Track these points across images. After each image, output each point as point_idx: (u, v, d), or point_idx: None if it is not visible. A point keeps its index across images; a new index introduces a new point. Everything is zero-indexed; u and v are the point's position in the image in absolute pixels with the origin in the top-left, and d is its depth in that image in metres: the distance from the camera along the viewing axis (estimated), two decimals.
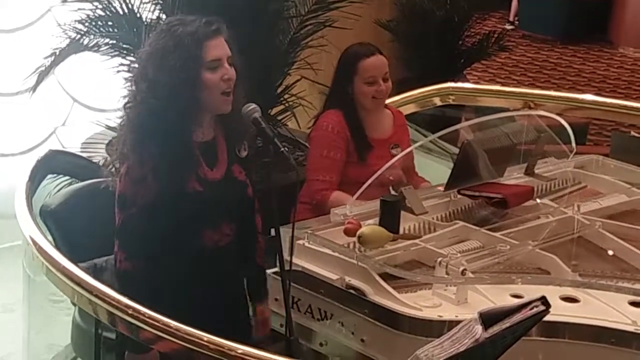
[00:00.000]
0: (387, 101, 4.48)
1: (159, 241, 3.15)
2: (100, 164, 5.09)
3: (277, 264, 3.17)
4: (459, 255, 3.44)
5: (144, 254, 3.16)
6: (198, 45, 3.12)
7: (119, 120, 3.37)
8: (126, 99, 3.24)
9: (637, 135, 6.97)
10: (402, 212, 3.71)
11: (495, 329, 2.38)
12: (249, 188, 3.32)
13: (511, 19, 13.64)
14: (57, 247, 3.45)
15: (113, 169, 3.27)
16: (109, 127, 5.71)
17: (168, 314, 2.95)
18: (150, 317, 2.94)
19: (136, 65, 3.26)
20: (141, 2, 5.49)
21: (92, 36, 5.46)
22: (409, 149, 4.23)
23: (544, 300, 2.46)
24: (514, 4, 13.61)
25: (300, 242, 3.54)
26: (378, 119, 4.34)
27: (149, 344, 3.05)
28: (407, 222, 3.76)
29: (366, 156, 4.22)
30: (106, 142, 5.65)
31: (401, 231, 3.67)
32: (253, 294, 3.45)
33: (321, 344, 3.50)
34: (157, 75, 3.13)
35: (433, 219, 3.86)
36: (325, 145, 4.21)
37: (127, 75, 3.43)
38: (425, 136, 5.47)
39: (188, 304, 3.16)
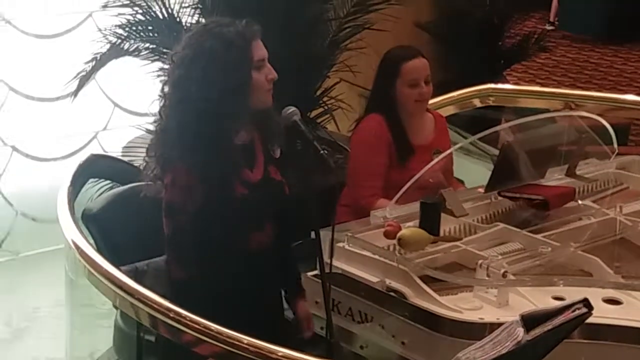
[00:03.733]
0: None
1: (210, 247, 3.16)
2: (141, 167, 5.12)
3: (317, 267, 3.17)
4: (500, 257, 3.42)
5: (197, 262, 3.17)
6: (245, 45, 3.16)
7: (155, 125, 3.38)
8: (163, 103, 3.25)
9: None
10: (443, 215, 3.70)
11: (537, 331, 2.37)
12: (285, 187, 3.35)
13: (551, 19, 13.56)
14: (98, 250, 3.47)
15: (152, 174, 3.26)
16: (149, 131, 5.75)
17: (224, 321, 2.92)
18: (191, 320, 2.95)
19: (174, 70, 3.25)
20: (181, 6, 5.53)
21: (132, 41, 5.51)
22: (447, 152, 4.19)
23: (586, 302, 2.44)
24: (554, 3, 13.52)
25: (340, 244, 3.54)
26: (420, 123, 4.32)
27: (190, 347, 3.06)
28: (447, 225, 3.75)
29: (408, 161, 4.19)
30: (146, 146, 5.69)
31: (441, 233, 3.65)
32: (290, 292, 3.47)
33: (361, 347, 3.49)
34: (207, 78, 3.13)
35: (473, 221, 3.84)
36: (369, 149, 4.19)
37: (164, 79, 3.41)
38: (465, 138, 5.44)
39: (238, 307, 3.16)
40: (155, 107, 3.30)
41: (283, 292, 3.49)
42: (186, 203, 3.14)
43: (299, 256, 3.47)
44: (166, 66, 5.43)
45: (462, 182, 4.53)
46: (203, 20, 5.41)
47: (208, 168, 3.12)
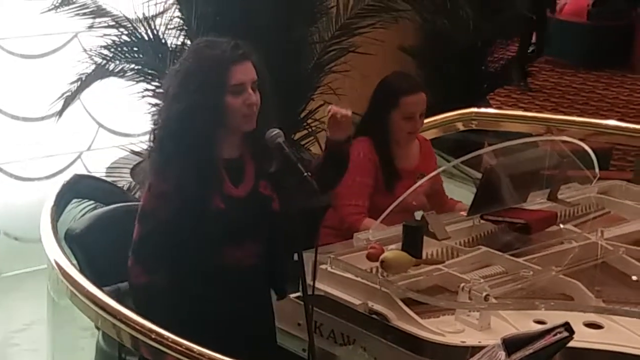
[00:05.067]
0: None
1: (178, 256, 3.16)
2: (125, 188, 5.13)
3: (300, 289, 3.18)
4: (482, 280, 3.43)
5: (162, 269, 3.17)
6: (222, 69, 3.14)
7: (145, 145, 3.41)
8: (154, 118, 3.28)
9: None
10: (425, 237, 3.71)
11: (519, 355, 2.38)
12: (274, 202, 3.31)
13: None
14: (81, 271, 3.46)
15: (137, 194, 3.29)
16: (133, 152, 5.76)
17: (184, 333, 2.95)
18: (173, 342, 2.95)
19: (164, 82, 3.29)
20: (166, 28, 5.55)
21: (117, 62, 5.52)
22: (431, 175, 4.20)
23: (567, 326, 2.46)
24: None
25: (323, 266, 3.54)
26: (407, 150, 4.34)
27: None
28: (430, 247, 3.76)
29: (394, 186, 4.20)
30: (130, 166, 5.69)
31: (424, 256, 3.66)
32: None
33: None
34: (178, 96, 3.16)
35: (456, 244, 3.85)
36: (357, 170, 4.18)
37: (154, 100, 3.44)
38: (448, 161, 5.47)
39: (209, 323, 3.16)
40: (145, 127, 3.33)
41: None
42: (159, 210, 3.16)
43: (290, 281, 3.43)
44: (151, 87, 5.50)
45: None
46: (188, 42, 5.44)
47: (182, 178, 3.13)
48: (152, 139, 3.29)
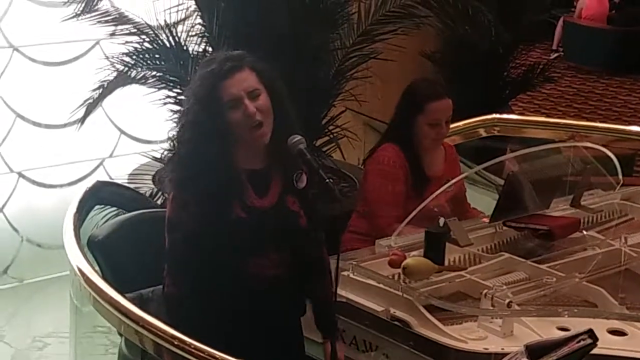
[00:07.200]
0: None
1: (203, 266, 3.16)
2: (147, 195, 5.14)
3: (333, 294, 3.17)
4: (504, 287, 3.42)
5: (189, 279, 3.18)
6: (213, 87, 3.14)
7: (166, 152, 3.42)
8: (175, 128, 3.30)
9: None
10: (447, 244, 3.70)
11: None
12: (301, 219, 3.27)
13: (554, 47, 13.59)
14: (104, 277, 3.47)
15: (159, 201, 3.30)
16: (155, 159, 5.77)
17: (212, 342, 2.95)
18: (196, 348, 2.95)
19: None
20: (188, 35, 5.56)
21: (139, 69, 5.53)
22: (453, 181, 4.19)
23: (590, 333, 2.45)
24: (558, 30, 13.55)
25: (345, 273, 3.54)
26: (434, 155, 4.32)
27: None
28: (452, 254, 3.75)
29: (423, 192, 4.16)
30: (152, 173, 5.70)
31: (446, 263, 3.66)
32: (320, 330, 3.40)
33: None
34: (189, 112, 3.20)
35: (478, 250, 3.85)
36: (389, 178, 4.17)
37: (176, 107, 3.46)
38: (470, 167, 5.45)
39: (234, 333, 3.16)
40: (163, 135, 3.35)
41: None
42: (181, 220, 3.16)
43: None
44: (172, 94, 5.52)
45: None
46: (210, 49, 5.45)
47: (201, 189, 3.13)
48: (172, 147, 3.31)
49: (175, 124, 3.33)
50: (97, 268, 3.59)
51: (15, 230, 6.27)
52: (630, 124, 9.54)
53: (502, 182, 4.47)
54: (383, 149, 4.26)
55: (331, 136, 5.78)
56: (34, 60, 6.30)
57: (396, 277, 3.55)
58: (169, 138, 3.48)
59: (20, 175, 6.35)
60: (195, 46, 5.57)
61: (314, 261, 3.33)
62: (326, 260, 3.34)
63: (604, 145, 4.56)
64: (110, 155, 6.69)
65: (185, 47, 5.53)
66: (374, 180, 4.27)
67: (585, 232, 4.01)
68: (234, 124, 3.15)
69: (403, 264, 3.49)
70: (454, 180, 4.18)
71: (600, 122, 9.42)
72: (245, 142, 3.20)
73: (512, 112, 8.73)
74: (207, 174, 3.13)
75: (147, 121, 6.41)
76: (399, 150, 4.22)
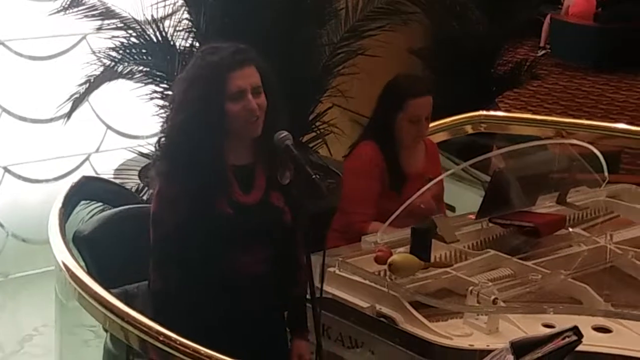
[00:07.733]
0: None
1: (189, 262, 3.16)
2: (133, 190, 5.13)
3: (308, 292, 3.17)
4: (490, 284, 3.43)
5: (174, 275, 3.17)
6: (221, 76, 3.13)
7: (153, 147, 3.40)
8: (161, 124, 3.28)
9: None
10: (434, 240, 3.71)
11: (527, 358, 2.37)
12: (285, 215, 3.28)
13: (542, 44, 13.61)
14: (89, 273, 3.47)
15: (146, 196, 3.29)
16: (141, 154, 5.76)
17: (197, 339, 2.96)
18: (181, 344, 2.95)
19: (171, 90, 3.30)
20: (174, 30, 5.55)
21: (125, 64, 5.52)
22: (439, 178, 4.20)
23: (576, 330, 2.45)
24: (545, 28, 13.57)
25: (331, 269, 3.54)
26: (413, 152, 4.31)
27: None
28: (438, 251, 3.76)
29: (401, 189, 4.17)
30: (139, 168, 5.69)
31: (432, 259, 3.66)
32: (290, 327, 3.41)
33: None
34: (182, 103, 3.17)
35: (464, 247, 3.85)
36: (363, 176, 4.18)
37: (162, 102, 3.45)
38: (457, 164, 5.46)
39: (220, 329, 3.15)
40: (149, 130, 3.34)
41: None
42: (167, 215, 3.16)
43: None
44: (159, 89, 5.51)
45: (452, 207, 4.53)
46: (197, 45, 5.44)
47: (188, 183, 3.13)
48: (158, 144, 3.30)
49: (164, 113, 3.30)
50: (82, 263, 3.58)
51: (1, 225, 6.26)
52: (616, 121, 9.54)
53: (488, 179, 4.49)
54: (361, 147, 4.26)
55: (318, 132, 5.78)
56: (20, 55, 6.28)
57: (382, 273, 3.55)
58: (159, 133, 3.48)
59: (6, 170, 6.32)
60: (182, 41, 5.56)
61: (294, 257, 3.33)
62: (302, 256, 3.33)
63: (590, 143, 4.57)
64: (97, 151, 6.67)
65: (172, 42, 5.52)
66: (348, 177, 4.29)
67: (571, 229, 4.02)
68: (231, 115, 3.14)
69: (389, 260, 3.49)
70: (438, 178, 4.19)
71: (587, 119, 9.43)
72: (236, 135, 3.19)
73: (499, 109, 8.72)
74: (196, 166, 3.13)
75: (134, 116, 6.39)
76: (377, 147, 4.21)
